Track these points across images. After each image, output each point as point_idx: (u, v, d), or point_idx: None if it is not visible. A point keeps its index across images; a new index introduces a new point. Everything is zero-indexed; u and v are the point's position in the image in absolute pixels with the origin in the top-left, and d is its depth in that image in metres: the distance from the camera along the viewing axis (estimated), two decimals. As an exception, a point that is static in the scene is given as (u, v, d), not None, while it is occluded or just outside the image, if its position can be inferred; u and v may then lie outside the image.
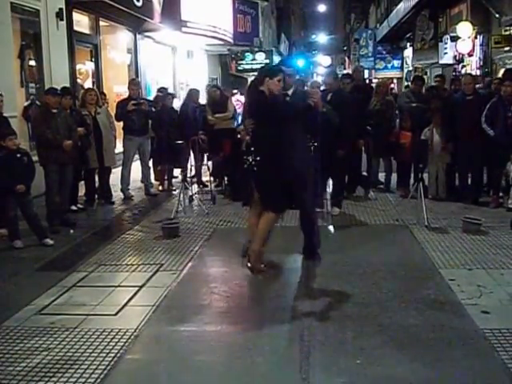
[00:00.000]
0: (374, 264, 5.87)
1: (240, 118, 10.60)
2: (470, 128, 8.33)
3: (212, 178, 10.01)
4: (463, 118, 8.42)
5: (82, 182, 9.01)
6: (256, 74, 7.57)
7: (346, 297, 5.03)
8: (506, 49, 13.48)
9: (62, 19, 10.38)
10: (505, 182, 8.51)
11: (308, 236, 6.06)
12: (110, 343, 4.20)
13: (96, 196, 9.16)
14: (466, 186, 8.89)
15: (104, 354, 4.03)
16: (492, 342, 4.07)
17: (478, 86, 10.21)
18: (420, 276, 5.53)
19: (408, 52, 24.66)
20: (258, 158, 5.43)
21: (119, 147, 10.11)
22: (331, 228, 7.49)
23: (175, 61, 18.56)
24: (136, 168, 9.86)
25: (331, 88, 8.29)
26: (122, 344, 4.18)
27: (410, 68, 23.80)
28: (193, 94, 10.59)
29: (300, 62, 21.57)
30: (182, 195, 8.60)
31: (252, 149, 5.54)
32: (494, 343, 4.06)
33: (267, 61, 23.94)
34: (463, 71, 15.42)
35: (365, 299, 4.95)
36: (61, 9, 10.34)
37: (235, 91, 14.04)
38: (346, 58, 47.37)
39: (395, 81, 27.77)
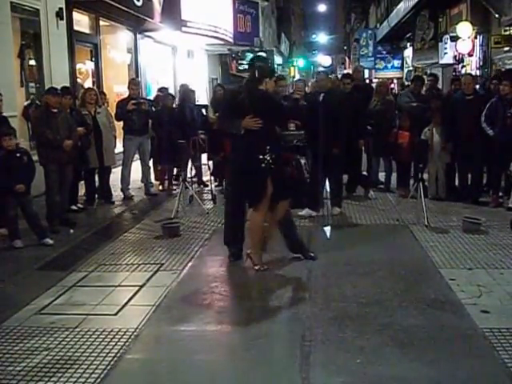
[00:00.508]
0: (374, 263, 5.87)
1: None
2: (469, 128, 8.33)
3: (212, 178, 10.00)
4: (463, 117, 8.41)
5: (82, 182, 9.01)
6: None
7: (346, 296, 5.03)
8: (506, 49, 13.47)
9: (61, 19, 10.37)
10: (504, 182, 8.52)
11: (284, 235, 6.11)
12: (110, 343, 4.21)
13: (96, 196, 9.15)
14: (466, 186, 8.89)
15: (104, 354, 4.03)
16: (492, 342, 4.08)
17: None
18: (420, 275, 5.54)
19: (408, 52, 24.65)
20: (274, 156, 5.58)
21: (119, 147, 10.11)
22: (329, 229, 7.47)
23: (175, 61, 18.55)
24: (136, 168, 9.85)
25: (322, 88, 8.12)
26: (122, 344, 4.18)
27: (410, 68, 23.79)
28: (187, 93, 10.61)
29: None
30: (182, 195, 8.60)
31: (268, 147, 5.57)
32: (494, 343, 4.06)
33: (268, 61, 23.93)
34: (463, 71, 15.41)
35: (365, 299, 4.95)
36: (61, 8, 10.33)
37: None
38: (346, 58, 47.37)
39: (395, 81, 27.77)
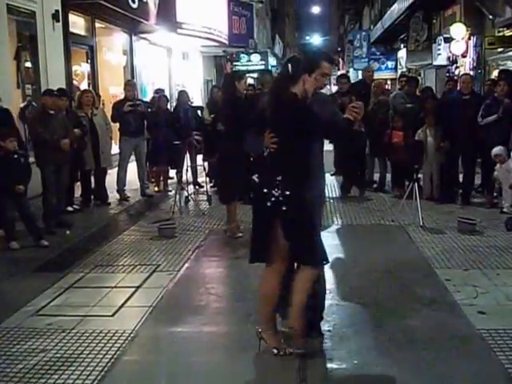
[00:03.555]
0: (370, 264, 5.88)
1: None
2: (465, 127, 8.34)
3: (208, 179, 10.01)
4: (459, 117, 8.40)
5: (78, 183, 9.01)
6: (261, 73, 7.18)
7: (342, 297, 5.03)
8: (500, 50, 13.51)
9: (58, 21, 10.37)
10: (498, 185, 8.55)
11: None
12: (107, 344, 4.20)
13: (92, 197, 9.16)
14: (459, 186, 8.95)
15: (101, 356, 4.02)
16: (489, 343, 4.08)
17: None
18: (416, 276, 5.55)
19: (402, 53, 24.68)
20: (288, 192, 3.79)
21: (115, 148, 10.11)
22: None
23: (171, 62, 18.56)
24: (132, 169, 9.85)
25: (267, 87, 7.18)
26: (119, 345, 4.18)
27: (404, 69, 23.83)
28: (182, 95, 10.68)
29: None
30: (177, 196, 8.61)
31: (279, 178, 3.81)
32: (491, 343, 4.07)
33: (263, 62, 23.94)
34: (456, 72, 15.46)
35: (361, 299, 4.96)
36: (57, 10, 10.33)
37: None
38: (340, 60, 47.38)
39: (389, 82, 27.83)
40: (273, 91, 4.10)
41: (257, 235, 4.03)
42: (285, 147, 3.86)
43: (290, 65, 3.96)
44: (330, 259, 5.98)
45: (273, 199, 3.81)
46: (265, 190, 3.84)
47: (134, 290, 5.35)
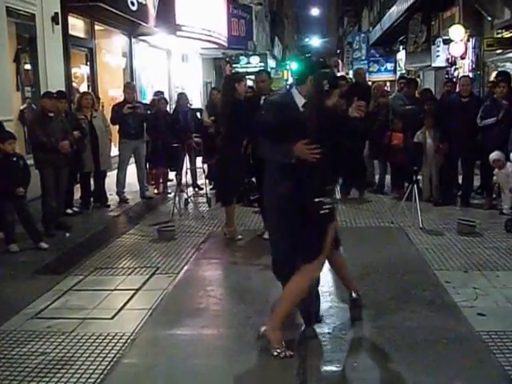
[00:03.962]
0: (369, 266, 5.88)
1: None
2: (464, 129, 8.35)
3: (207, 181, 10.01)
4: (458, 119, 8.41)
5: (78, 186, 9.00)
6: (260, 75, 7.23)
7: (342, 299, 5.02)
8: (499, 51, 13.53)
9: (57, 23, 10.37)
10: (497, 188, 8.56)
11: None
12: (107, 347, 4.20)
13: (91, 199, 9.15)
14: (458, 188, 8.95)
15: (101, 358, 4.02)
16: (488, 345, 4.08)
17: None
18: (416, 278, 5.54)
19: (401, 55, 24.70)
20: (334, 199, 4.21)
21: (114, 150, 10.09)
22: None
23: (170, 64, 18.57)
24: (132, 171, 9.85)
25: (263, 90, 7.03)
26: (118, 348, 4.18)
27: (403, 71, 23.85)
28: (182, 97, 10.69)
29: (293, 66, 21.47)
30: (177, 198, 8.61)
31: (329, 187, 4.14)
32: (491, 345, 4.07)
33: (262, 64, 23.97)
34: (456, 74, 15.48)
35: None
36: (56, 13, 10.33)
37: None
38: (340, 61, 47.43)
39: (388, 83, 27.86)
40: (314, 106, 4.13)
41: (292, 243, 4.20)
42: (328, 156, 4.03)
43: (326, 81, 4.09)
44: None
45: (326, 207, 3.99)
46: (316, 200, 3.98)
47: (133, 292, 5.35)
